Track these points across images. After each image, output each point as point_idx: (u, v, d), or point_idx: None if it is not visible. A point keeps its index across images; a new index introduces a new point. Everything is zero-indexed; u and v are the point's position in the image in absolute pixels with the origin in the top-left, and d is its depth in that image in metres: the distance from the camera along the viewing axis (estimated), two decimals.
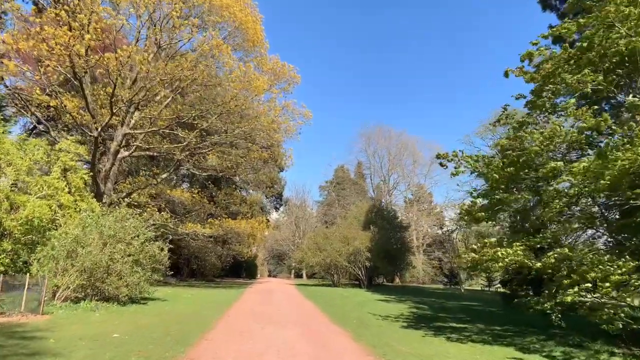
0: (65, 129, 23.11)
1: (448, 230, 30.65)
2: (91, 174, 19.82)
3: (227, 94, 21.48)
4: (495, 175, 8.58)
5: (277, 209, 53.01)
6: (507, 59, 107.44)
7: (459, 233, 30.99)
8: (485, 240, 8.76)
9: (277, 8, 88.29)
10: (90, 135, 19.49)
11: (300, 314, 13.16)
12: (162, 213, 19.58)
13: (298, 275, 61.73)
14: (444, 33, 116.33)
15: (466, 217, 9.71)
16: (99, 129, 19.02)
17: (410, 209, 50.90)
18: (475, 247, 8.86)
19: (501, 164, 8.58)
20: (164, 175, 24.07)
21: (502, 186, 9.08)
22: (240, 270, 46.80)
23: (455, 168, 10.20)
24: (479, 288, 37.55)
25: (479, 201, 10.33)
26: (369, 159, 55.83)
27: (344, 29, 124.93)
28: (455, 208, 42.39)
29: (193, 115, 20.38)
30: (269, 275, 76.04)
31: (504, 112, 10.22)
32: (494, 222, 11.17)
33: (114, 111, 18.86)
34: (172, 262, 31.60)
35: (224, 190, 25.56)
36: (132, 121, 22.50)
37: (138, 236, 14.09)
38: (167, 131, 21.92)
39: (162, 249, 14.63)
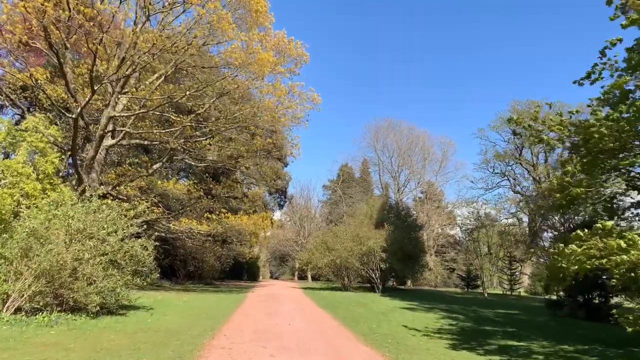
0: (44, 111, 20.53)
1: (468, 229, 27.89)
2: (68, 161, 17.28)
3: (226, 73, 18.89)
4: (627, 130, 5.78)
5: (281, 206, 50.06)
6: (515, 55, 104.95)
7: (478, 232, 28.27)
8: (599, 224, 5.96)
9: (280, 4, 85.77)
10: (69, 117, 16.90)
11: (318, 329, 10.46)
12: (146, 203, 16.85)
13: (301, 277, 58.93)
14: (452, 27, 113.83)
15: (559, 195, 6.91)
16: (79, 109, 16.46)
17: (421, 207, 48.09)
18: (581, 233, 6.08)
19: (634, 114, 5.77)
20: (156, 166, 21.42)
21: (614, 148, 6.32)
22: (242, 272, 44.06)
23: (537, 135, 7.50)
24: (500, 292, 34.80)
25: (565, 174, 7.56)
26: (378, 155, 53.03)
27: (346, 28, 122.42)
28: (469, 206, 39.79)
29: (187, 94, 17.68)
30: (271, 277, 73.28)
31: (601, 59, 7.47)
32: (589, 205, 8.43)
33: (95, 89, 16.35)
34: (167, 263, 28.96)
35: (224, 182, 22.81)
36: (120, 106, 19.98)
37: (116, 232, 11.43)
38: (158, 114, 19.23)
39: (145, 248, 11.93)
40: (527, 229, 42.54)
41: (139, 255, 11.88)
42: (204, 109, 20.21)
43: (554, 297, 16.89)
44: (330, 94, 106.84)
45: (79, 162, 19.52)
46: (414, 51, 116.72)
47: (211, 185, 22.50)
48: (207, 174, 24.57)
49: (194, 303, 15.69)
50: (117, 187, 20.22)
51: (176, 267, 28.57)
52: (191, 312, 12.74)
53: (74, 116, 16.53)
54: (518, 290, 33.95)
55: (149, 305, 13.63)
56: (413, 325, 11.79)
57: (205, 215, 19.20)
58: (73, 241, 10.37)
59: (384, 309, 15.72)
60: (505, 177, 45.48)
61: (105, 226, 11.10)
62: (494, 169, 45.49)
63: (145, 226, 16.33)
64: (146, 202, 19.03)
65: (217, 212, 19.64)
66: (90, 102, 20.89)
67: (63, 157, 20.59)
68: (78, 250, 10.22)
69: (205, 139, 21.38)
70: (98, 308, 10.21)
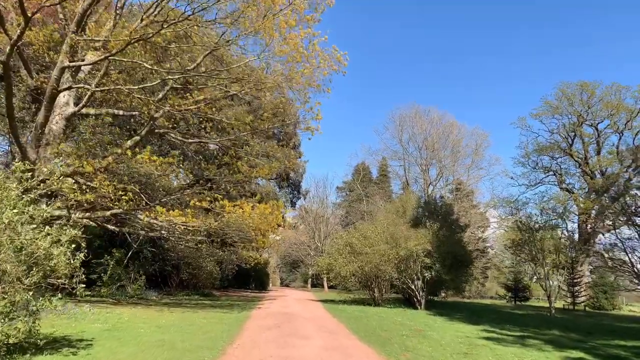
0: None
1: (531, 229, 22.25)
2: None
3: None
4: None
5: (293, 204, 44.16)
6: (536, 49, 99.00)
7: (543, 234, 22.60)
8: None
9: None
10: None
11: None
12: (104, 182, 11.67)
13: (314, 285, 53.36)
14: (485, 17, 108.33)
15: None
16: (9, 47, 11.63)
17: (453, 207, 42.37)
18: None
19: None
20: (131, 142, 16.29)
21: None
22: (248, 279, 38.72)
23: None
24: (560, 306, 28.74)
25: None
26: (403, 147, 46.95)
27: (356, 23, 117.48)
28: (508, 206, 34.37)
29: (165, 27, 12.49)
30: (282, 285, 67.93)
31: None
32: None
33: (30, 16, 11.48)
34: (156, 269, 23.63)
35: (220, 159, 17.35)
36: (85, 61, 15.05)
37: (2, 213, 6.24)
38: (127, 61, 14.00)
39: (60, 243, 6.68)
40: (577, 230, 36.77)
41: (53, 257, 6.65)
42: (197, 63, 15.05)
43: None
44: (339, 93, 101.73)
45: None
46: (435, 43, 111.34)
47: (203, 165, 17.20)
48: (199, 155, 19.42)
49: (169, 331, 10.35)
50: (78, 169, 15.15)
51: (166, 274, 23.37)
52: (147, 357, 7.41)
53: (2, 58, 11.69)
54: (581, 303, 27.98)
55: (92, 336, 8.43)
56: None
57: (193, 202, 13.88)
58: None
59: (458, 344, 10.20)
60: (551, 172, 39.63)
61: None
62: (537, 163, 39.69)
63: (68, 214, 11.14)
64: (115, 185, 13.96)
65: (211, 200, 14.30)
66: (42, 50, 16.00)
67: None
68: None
69: (196, 107, 16.19)
70: None
